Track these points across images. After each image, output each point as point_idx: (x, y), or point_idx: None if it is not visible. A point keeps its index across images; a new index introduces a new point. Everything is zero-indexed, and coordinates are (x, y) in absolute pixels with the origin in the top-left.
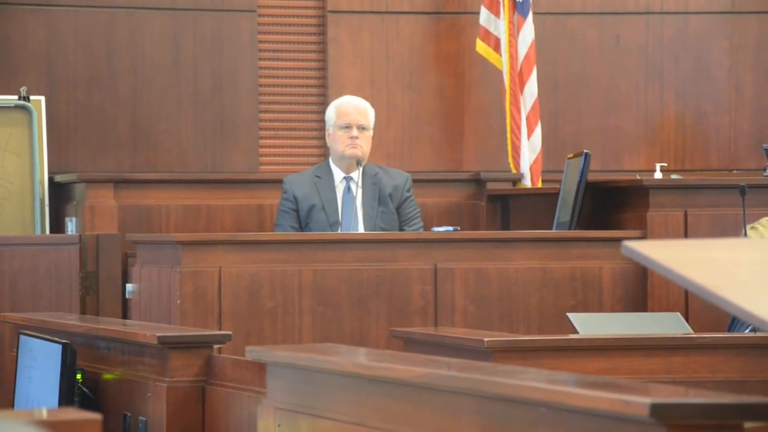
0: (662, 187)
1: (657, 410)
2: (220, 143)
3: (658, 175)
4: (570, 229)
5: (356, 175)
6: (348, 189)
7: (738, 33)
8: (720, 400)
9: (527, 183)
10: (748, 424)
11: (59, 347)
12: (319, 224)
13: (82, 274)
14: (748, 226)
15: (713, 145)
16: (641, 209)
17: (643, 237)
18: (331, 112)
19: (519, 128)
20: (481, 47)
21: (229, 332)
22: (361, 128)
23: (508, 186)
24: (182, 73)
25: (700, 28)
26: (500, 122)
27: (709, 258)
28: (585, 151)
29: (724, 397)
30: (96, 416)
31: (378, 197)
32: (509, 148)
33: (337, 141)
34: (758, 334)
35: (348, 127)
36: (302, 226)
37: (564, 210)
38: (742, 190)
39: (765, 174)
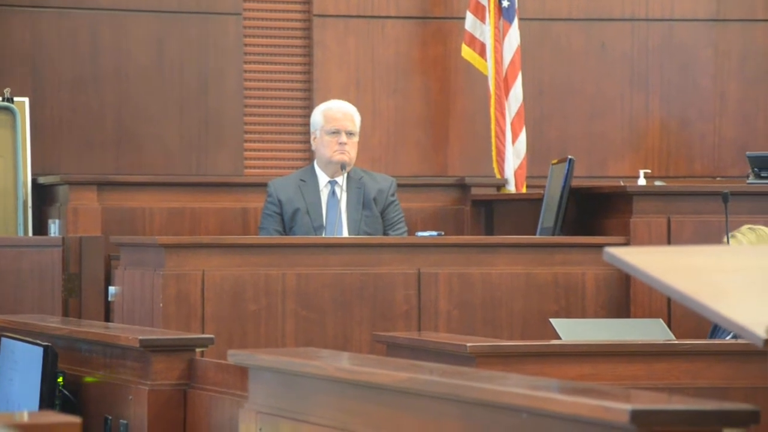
0: (646, 193)
1: (637, 416)
2: (205, 146)
3: (641, 181)
4: (554, 234)
5: (341, 179)
6: (333, 193)
7: (723, 40)
8: (700, 407)
9: (511, 188)
10: (728, 431)
11: (41, 350)
12: (304, 228)
13: (64, 276)
14: (726, 237)
15: (697, 152)
16: (625, 215)
17: (627, 243)
18: (318, 117)
19: (504, 133)
20: (466, 52)
21: (212, 336)
22: (350, 134)
23: (492, 191)
24: (167, 76)
25: (685, 35)
26: (485, 127)
27: (689, 265)
28: (569, 156)
29: (704, 404)
30: (75, 419)
31: (362, 201)
32: (494, 153)
33: (326, 146)
34: (739, 341)
35: (336, 132)
36: (286, 229)
37: (548, 215)
38: (725, 197)
39: (748, 181)
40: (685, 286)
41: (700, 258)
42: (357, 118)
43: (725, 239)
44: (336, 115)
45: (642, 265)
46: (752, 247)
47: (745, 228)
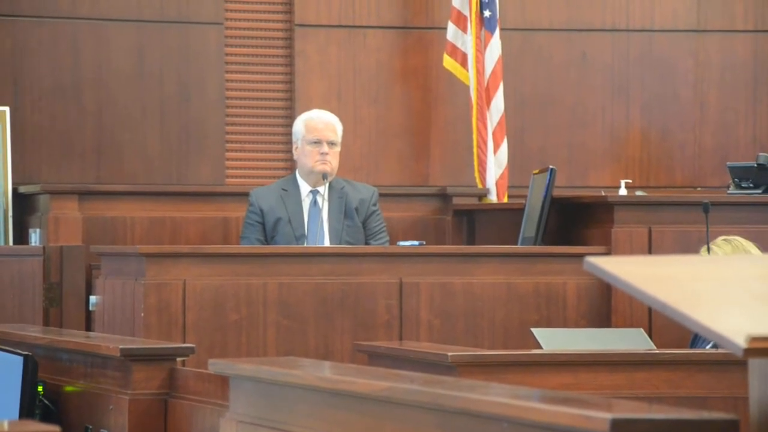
0: (627, 203)
1: (617, 426)
2: (186, 155)
3: (622, 191)
4: (535, 244)
5: (323, 188)
6: (314, 202)
7: (702, 51)
8: (680, 416)
9: (493, 198)
10: None
11: (21, 359)
12: (285, 237)
13: (45, 285)
14: (703, 248)
15: (678, 162)
16: (606, 225)
17: (608, 253)
18: (299, 126)
19: (485, 143)
20: (448, 62)
21: (192, 345)
22: (331, 144)
23: (474, 201)
24: (148, 85)
25: (666, 46)
26: (467, 137)
27: (670, 274)
28: (550, 166)
29: (684, 413)
30: (55, 429)
31: (344, 211)
32: (475, 163)
33: (307, 156)
34: (720, 350)
35: (318, 142)
36: (268, 239)
37: (529, 225)
38: (706, 208)
39: (728, 192)
40: (665, 295)
41: (680, 267)
42: (339, 128)
43: (702, 250)
44: (317, 125)
45: (622, 274)
46: (731, 256)
47: (720, 240)
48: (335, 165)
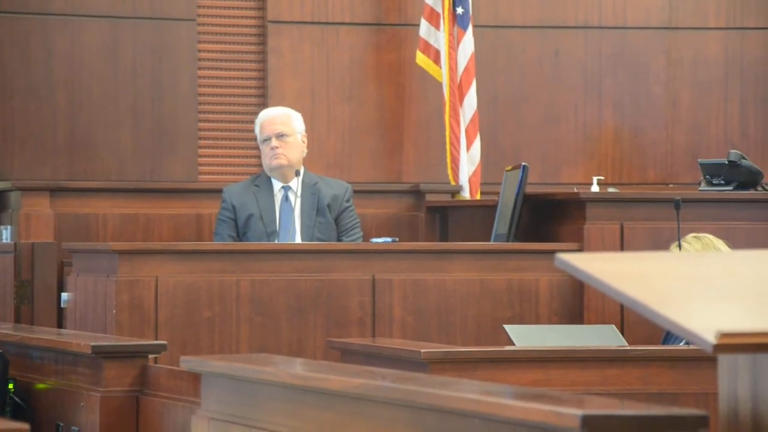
0: (599, 200)
1: (588, 422)
2: (159, 152)
3: (595, 188)
4: (508, 241)
5: (295, 184)
6: (286, 198)
7: (675, 48)
8: (651, 412)
9: (466, 195)
10: None
11: None
12: (257, 234)
13: (16, 282)
14: (673, 244)
15: (650, 159)
16: (578, 222)
17: (580, 249)
18: (256, 128)
19: (458, 140)
20: (421, 59)
21: (164, 342)
22: (280, 136)
23: (446, 198)
24: (121, 82)
25: (638, 43)
26: (440, 134)
27: (641, 271)
28: (523, 163)
29: (655, 409)
30: (24, 426)
31: (317, 207)
32: (448, 160)
33: (263, 156)
34: (691, 347)
35: (267, 139)
36: (240, 235)
37: (502, 222)
38: (677, 204)
39: (700, 188)
40: (636, 292)
41: (651, 264)
42: (292, 118)
43: (672, 247)
44: (264, 123)
45: (593, 271)
46: (702, 253)
47: (690, 237)
48: (292, 155)
